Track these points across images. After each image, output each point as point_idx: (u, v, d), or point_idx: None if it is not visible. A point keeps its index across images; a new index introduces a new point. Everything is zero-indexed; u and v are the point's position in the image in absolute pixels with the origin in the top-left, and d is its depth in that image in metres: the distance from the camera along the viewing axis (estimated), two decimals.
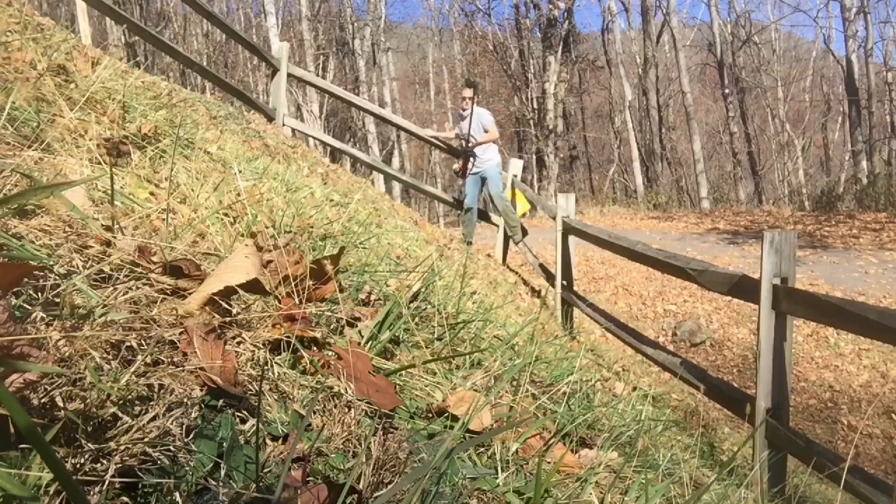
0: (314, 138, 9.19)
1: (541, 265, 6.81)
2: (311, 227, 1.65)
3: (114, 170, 1.23)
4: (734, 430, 4.71)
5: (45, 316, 0.71)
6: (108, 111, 1.57)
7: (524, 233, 7.03)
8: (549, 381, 1.47)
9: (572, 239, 5.44)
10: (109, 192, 1.10)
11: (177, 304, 0.86)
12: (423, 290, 1.40)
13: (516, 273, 7.41)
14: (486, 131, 6.84)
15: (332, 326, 1.08)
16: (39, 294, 0.76)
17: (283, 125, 7.19)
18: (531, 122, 19.43)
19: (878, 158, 18.44)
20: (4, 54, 1.50)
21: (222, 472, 0.67)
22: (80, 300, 0.78)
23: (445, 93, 27.95)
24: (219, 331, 0.84)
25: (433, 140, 8.06)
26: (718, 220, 12.76)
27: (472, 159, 6.92)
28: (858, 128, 18.41)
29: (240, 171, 1.85)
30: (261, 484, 0.67)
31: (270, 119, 6.96)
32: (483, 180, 6.92)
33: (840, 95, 22.89)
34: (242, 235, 1.34)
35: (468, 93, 7.03)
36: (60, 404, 0.62)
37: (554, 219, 5.72)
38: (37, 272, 0.78)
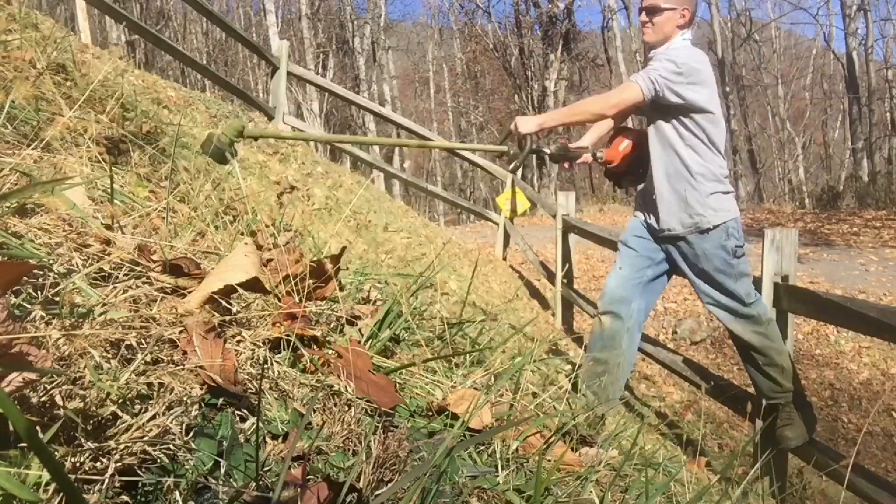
0: None
1: (541, 263, 6.81)
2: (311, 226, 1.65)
3: (113, 168, 1.23)
4: (735, 428, 4.72)
5: (44, 314, 0.71)
6: (108, 110, 1.57)
7: None
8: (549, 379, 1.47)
9: (572, 237, 5.44)
10: (109, 190, 1.09)
11: (177, 302, 0.86)
12: (423, 288, 1.40)
13: (517, 271, 7.41)
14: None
15: (332, 325, 1.08)
16: (39, 293, 0.75)
17: (283, 123, 7.19)
18: None
19: (878, 156, 18.42)
20: (4, 53, 1.50)
21: (222, 471, 0.66)
22: (80, 299, 0.78)
23: (445, 91, 27.93)
24: (218, 329, 0.84)
25: None
26: None
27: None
28: (859, 125, 18.38)
29: (239, 170, 1.85)
30: (261, 482, 0.67)
31: (270, 117, 6.96)
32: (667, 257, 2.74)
33: (840, 93, 22.86)
34: (242, 234, 1.33)
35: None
36: (60, 403, 0.62)
37: (554, 217, 5.71)
38: (36, 271, 0.78)
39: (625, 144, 2.77)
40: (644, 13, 2.55)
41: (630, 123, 3.07)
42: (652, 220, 2.68)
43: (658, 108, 2.55)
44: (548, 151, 2.69)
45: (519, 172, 8.03)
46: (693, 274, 2.63)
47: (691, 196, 2.53)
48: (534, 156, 2.73)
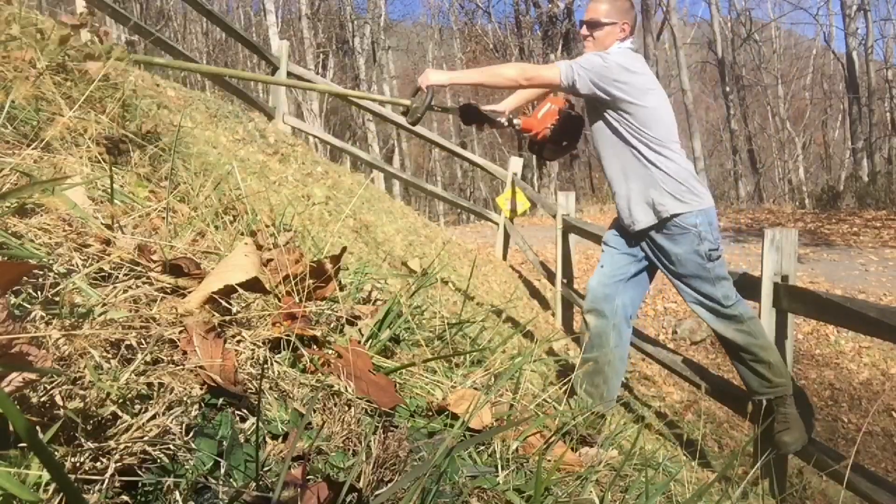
0: (314, 137, 9.19)
1: (541, 263, 6.81)
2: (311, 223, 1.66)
3: (113, 168, 1.23)
4: (735, 428, 4.72)
5: (44, 315, 0.71)
6: (108, 110, 1.57)
7: None
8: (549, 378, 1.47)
9: (572, 237, 5.44)
10: (109, 190, 1.09)
11: (176, 302, 0.86)
12: (423, 288, 1.40)
13: (517, 271, 7.41)
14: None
15: (332, 325, 1.08)
16: (39, 293, 0.75)
17: (283, 123, 7.19)
18: None
19: (878, 156, 18.42)
20: (4, 53, 1.50)
21: (222, 471, 0.66)
22: (80, 299, 0.78)
23: (445, 91, 27.92)
24: (218, 329, 0.84)
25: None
26: (719, 218, 12.74)
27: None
28: (859, 125, 18.39)
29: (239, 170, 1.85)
30: (261, 482, 0.67)
31: (270, 117, 6.96)
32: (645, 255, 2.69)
33: (840, 93, 22.86)
34: (242, 234, 1.33)
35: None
36: (60, 403, 0.62)
37: (554, 217, 5.71)
38: (36, 271, 0.78)
39: (547, 108, 2.66)
40: (585, 27, 2.55)
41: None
42: (621, 218, 2.66)
43: (594, 108, 2.56)
44: (454, 107, 2.59)
45: (519, 173, 8.03)
46: (670, 275, 2.62)
47: (650, 186, 2.51)
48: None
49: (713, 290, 2.55)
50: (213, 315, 0.86)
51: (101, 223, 0.99)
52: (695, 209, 2.49)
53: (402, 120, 8.96)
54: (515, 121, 2.65)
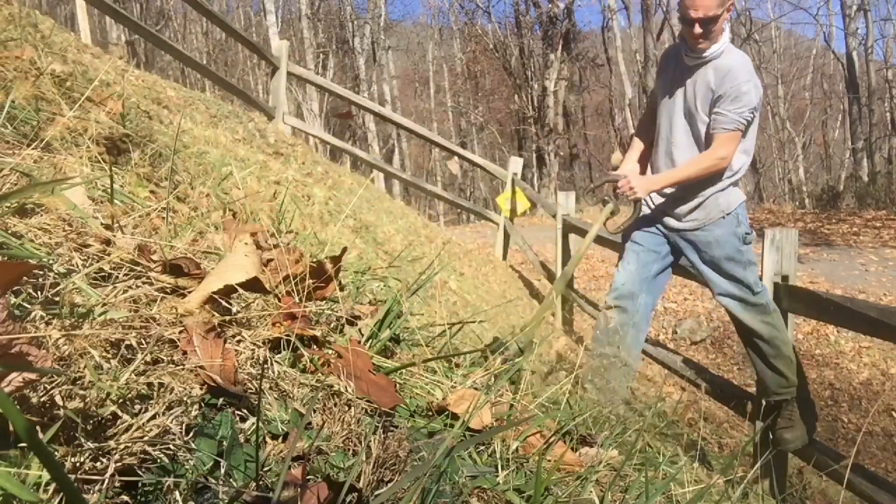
0: (314, 136, 9.19)
1: (541, 263, 6.81)
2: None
3: (113, 168, 1.23)
4: (735, 428, 4.72)
5: (44, 315, 0.71)
6: (108, 110, 1.57)
7: None
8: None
9: (572, 237, 5.44)
10: (109, 190, 1.09)
11: (177, 302, 0.86)
12: (423, 288, 1.40)
13: (517, 271, 7.41)
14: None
15: (332, 325, 1.08)
16: (39, 293, 0.75)
17: (284, 123, 7.19)
18: (531, 120, 19.42)
19: (878, 156, 18.41)
20: (4, 53, 1.50)
21: (222, 471, 0.66)
22: (80, 299, 0.78)
23: (445, 91, 27.92)
24: (218, 329, 0.84)
25: None
26: None
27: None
28: (859, 125, 18.37)
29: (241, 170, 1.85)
30: (261, 482, 0.67)
31: (270, 117, 6.96)
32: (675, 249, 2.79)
33: (840, 93, 22.86)
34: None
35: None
36: (60, 403, 0.62)
37: (554, 217, 5.71)
38: (36, 271, 0.78)
39: None
40: (698, 25, 2.40)
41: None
42: (670, 216, 2.70)
43: (700, 120, 2.56)
44: (647, 207, 2.78)
45: (519, 173, 8.02)
46: (703, 263, 2.66)
47: (719, 191, 2.60)
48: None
49: (745, 274, 2.61)
50: (213, 315, 0.86)
51: (101, 223, 0.99)
52: (739, 203, 2.63)
53: (402, 120, 8.97)
54: None
